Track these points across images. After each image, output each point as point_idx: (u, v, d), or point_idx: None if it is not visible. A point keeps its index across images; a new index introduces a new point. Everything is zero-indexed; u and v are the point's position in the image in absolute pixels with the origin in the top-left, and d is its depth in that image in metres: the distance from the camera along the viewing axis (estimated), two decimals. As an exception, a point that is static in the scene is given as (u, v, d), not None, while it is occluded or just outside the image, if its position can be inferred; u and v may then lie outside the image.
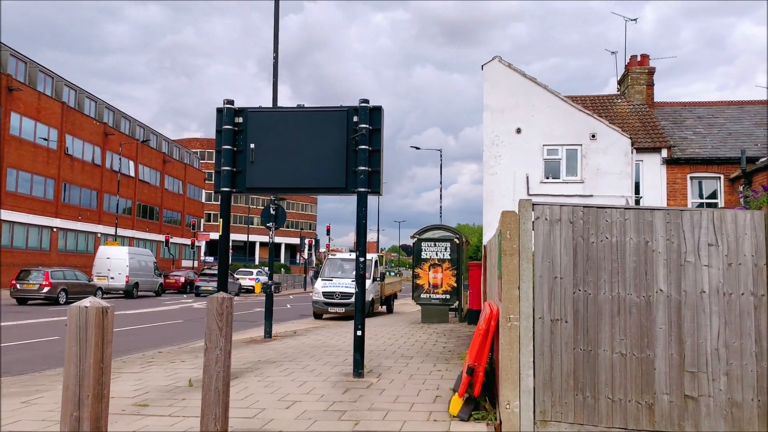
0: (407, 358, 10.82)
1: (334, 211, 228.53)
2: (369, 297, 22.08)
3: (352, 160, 8.71)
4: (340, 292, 21.75)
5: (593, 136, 16.40)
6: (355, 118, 8.72)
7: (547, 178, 16.64)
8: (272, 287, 14.54)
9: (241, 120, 8.94)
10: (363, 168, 8.60)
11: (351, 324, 18.76)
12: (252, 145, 8.85)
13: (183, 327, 18.61)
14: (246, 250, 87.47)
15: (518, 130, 16.60)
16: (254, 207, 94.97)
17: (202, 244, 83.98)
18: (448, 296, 18.57)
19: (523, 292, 5.39)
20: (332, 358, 10.69)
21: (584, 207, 5.47)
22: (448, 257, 18.69)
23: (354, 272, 25.23)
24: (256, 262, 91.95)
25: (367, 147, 8.63)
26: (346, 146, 8.74)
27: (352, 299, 22.08)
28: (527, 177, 16.55)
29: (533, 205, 5.56)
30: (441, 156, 42.27)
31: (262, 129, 8.90)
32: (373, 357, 10.87)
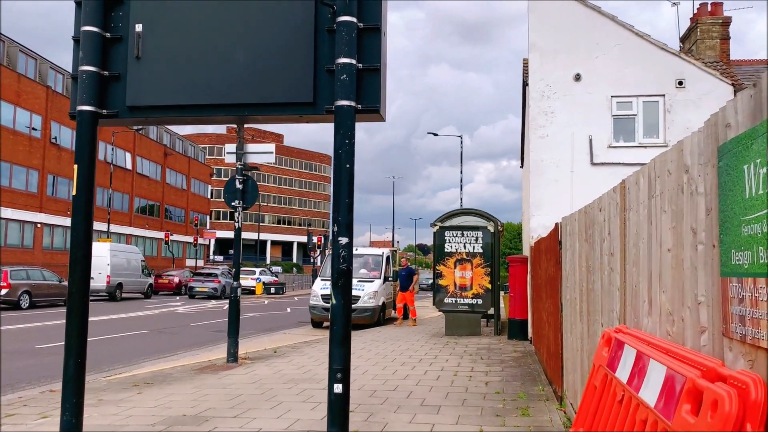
0: (431, 410, 6.57)
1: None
2: (379, 301, 17.90)
3: (326, 50, 4.48)
4: (344, 296, 17.54)
5: (680, 83, 12.03)
6: (332, -30, 4.48)
7: (618, 140, 12.30)
8: (238, 290, 10.37)
9: (120, -17, 4.75)
10: (345, 61, 4.35)
11: (356, 337, 14.42)
12: (139, 28, 4.66)
13: (140, 340, 14.55)
14: (257, 249, 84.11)
15: (577, 77, 12.28)
16: (264, 204, 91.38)
17: (211, 242, 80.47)
18: (479, 301, 14.29)
19: None
20: (307, 410, 6.48)
21: None
22: (480, 251, 14.39)
23: (363, 270, 21.10)
24: (268, 261, 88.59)
25: (352, 20, 4.38)
26: (314, 23, 4.51)
27: (358, 303, 17.86)
28: (590, 139, 12.23)
29: None
30: (461, 143, 37.99)
31: (160, -2, 4.70)
32: (374, 406, 6.65)
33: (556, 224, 6.76)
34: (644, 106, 12.09)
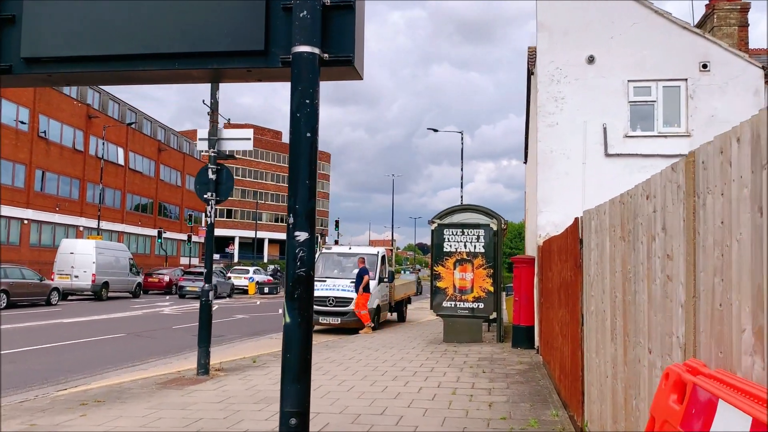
0: (424, 442, 5.43)
1: (351, 210, 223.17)
2: (374, 303, 16.77)
3: (282, -19, 3.34)
4: (335, 297, 16.45)
5: (705, 66, 10.89)
6: None
7: (635, 129, 11.16)
8: (210, 294, 9.23)
9: None
10: (306, -7, 3.20)
11: (346, 343, 13.24)
12: (38, -45, 3.52)
13: (113, 346, 13.42)
14: (254, 247, 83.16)
15: (590, 59, 11.14)
16: (261, 202, 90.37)
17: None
18: (481, 305, 13.15)
19: None
20: (274, 444, 5.35)
21: None
22: (482, 250, 13.25)
23: (356, 270, 19.93)
24: (265, 260, 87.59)
25: (317, -63, 3.23)
26: (266, -54, 3.36)
27: (351, 306, 16.75)
28: (605, 128, 11.09)
29: None
30: (462, 139, 36.88)
31: None
32: (356, 439, 5.51)
33: (576, 219, 5.63)
34: (664, 91, 10.95)
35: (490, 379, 8.54)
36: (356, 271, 18.18)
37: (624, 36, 11.04)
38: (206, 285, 9.22)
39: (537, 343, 11.01)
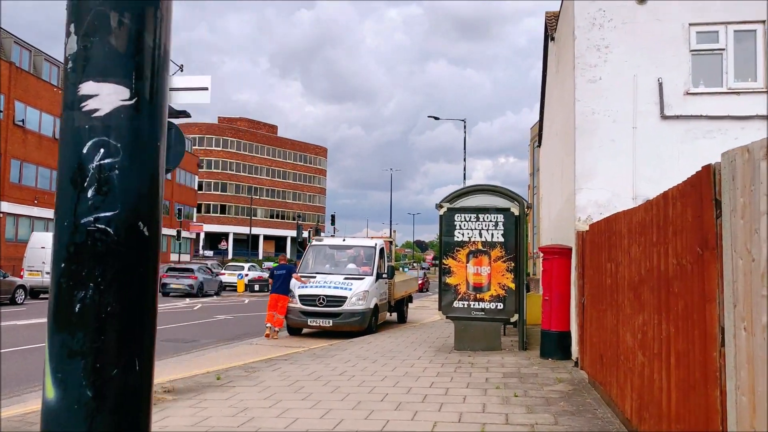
0: None
1: (348, 207, 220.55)
2: (371, 303, 14.53)
3: None
4: (326, 296, 14.19)
5: (787, 5, 8.63)
6: None
7: (698, 85, 8.91)
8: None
9: None
10: None
11: (337, 352, 10.42)
12: None
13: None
14: (248, 243, 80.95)
15: (642, -1, 8.88)
16: (256, 197, 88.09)
17: (200, 236, 77.04)
18: (500, 305, 10.91)
19: None
20: None
21: None
22: (501, 239, 11.01)
23: (351, 264, 17.54)
24: (260, 257, 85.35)
25: None
26: None
27: (345, 306, 14.50)
28: (660, 84, 8.83)
29: None
30: (465, 127, 34.68)
31: None
32: None
33: (707, 168, 3.36)
34: (736, 37, 8.72)
35: (528, 408, 6.30)
36: (351, 266, 16.08)
37: (684, -31, 8.79)
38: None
39: (576, 353, 8.79)
